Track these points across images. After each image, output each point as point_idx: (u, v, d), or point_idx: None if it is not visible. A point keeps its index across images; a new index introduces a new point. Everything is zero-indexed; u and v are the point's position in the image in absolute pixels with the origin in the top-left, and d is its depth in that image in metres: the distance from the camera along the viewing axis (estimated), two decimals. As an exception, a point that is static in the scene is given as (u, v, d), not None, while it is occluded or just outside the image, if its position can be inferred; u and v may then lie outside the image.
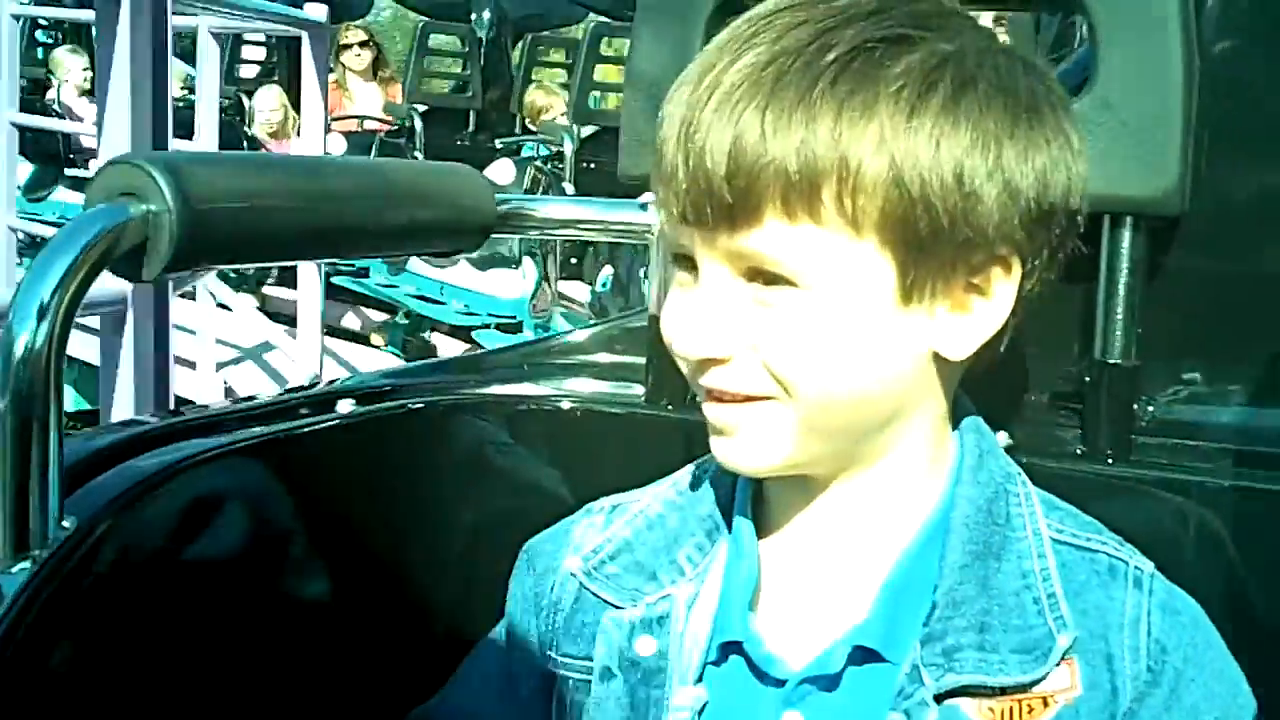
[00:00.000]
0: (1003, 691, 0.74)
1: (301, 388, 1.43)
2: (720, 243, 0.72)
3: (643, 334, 1.23)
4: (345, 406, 1.29)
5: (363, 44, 8.67)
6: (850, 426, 0.77)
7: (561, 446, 1.28)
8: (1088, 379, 0.97)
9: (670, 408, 1.17)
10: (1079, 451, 0.99)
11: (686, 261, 0.76)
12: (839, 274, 0.71)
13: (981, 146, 0.70)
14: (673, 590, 0.83)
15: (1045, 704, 0.74)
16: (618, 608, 0.85)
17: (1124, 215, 0.92)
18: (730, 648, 0.81)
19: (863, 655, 0.77)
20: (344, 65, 8.51)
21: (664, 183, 0.75)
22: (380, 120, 8.13)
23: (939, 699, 0.74)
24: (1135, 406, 0.97)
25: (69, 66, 8.23)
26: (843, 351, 0.73)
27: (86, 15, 3.88)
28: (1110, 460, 0.97)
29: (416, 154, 7.41)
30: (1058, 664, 0.74)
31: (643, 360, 1.22)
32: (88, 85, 7.26)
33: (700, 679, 0.81)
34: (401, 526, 1.27)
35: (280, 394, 1.38)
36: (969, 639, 0.75)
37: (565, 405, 1.28)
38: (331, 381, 1.44)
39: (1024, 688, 0.74)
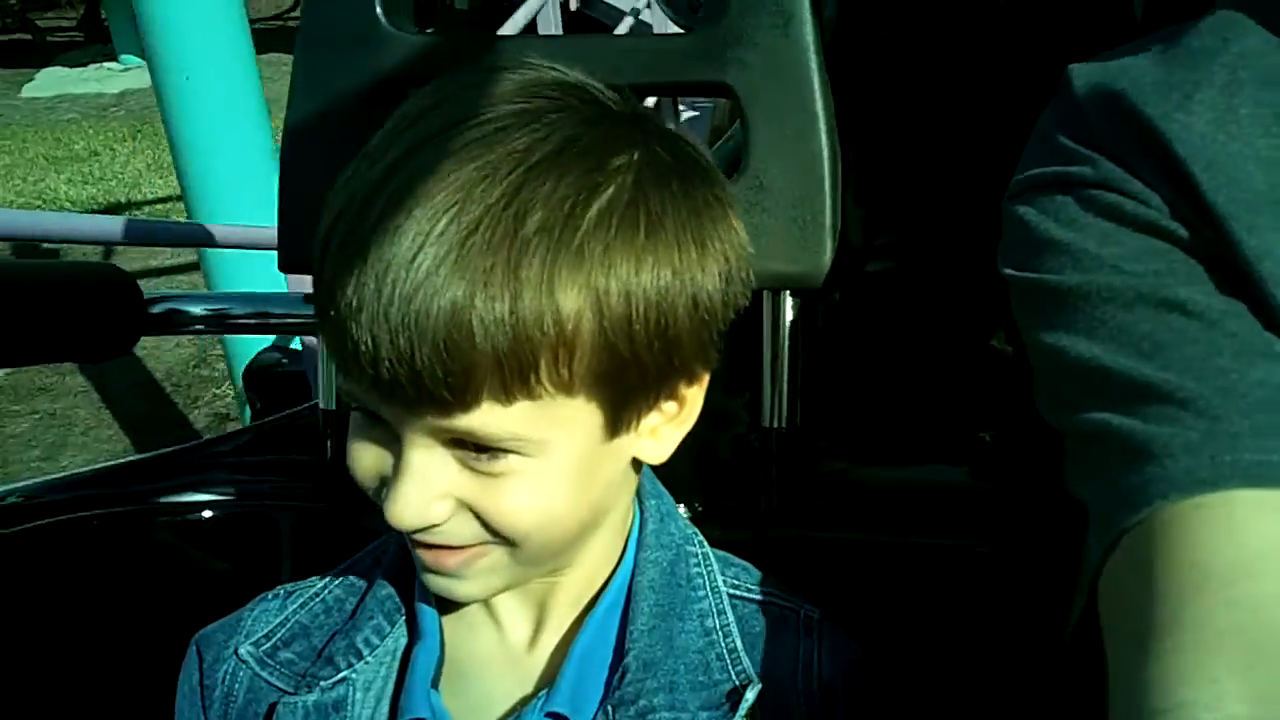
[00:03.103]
0: None
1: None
2: (424, 419, 0.68)
3: (312, 429, 1.19)
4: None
5: None
6: (565, 548, 0.78)
7: (234, 550, 1.22)
8: (757, 446, 1.01)
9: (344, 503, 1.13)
10: (752, 518, 1.02)
11: (373, 415, 0.71)
12: (551, 434, 0.69)
13: (679, 288, 0.69)
14: (350, 674, 0.82)
15: None
16: (293, 694, 0.82)
17: (781, 290, 0.97)
18: None
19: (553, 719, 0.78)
20: None
21: (342, 350, 0.66)
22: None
23: None
24: (803, 471, 1.02)
25: None
26: (558, 499, 0.72)
27: None
28: (780, 524, 1.01)
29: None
30: (745, 716, 0.77)
31: (312, 457, 1.18)
32: None
33: None
34: (61, 646, 1.17)
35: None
36: (661, 699, 0.77)
37: (235, 508, 1.22)
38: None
39: None
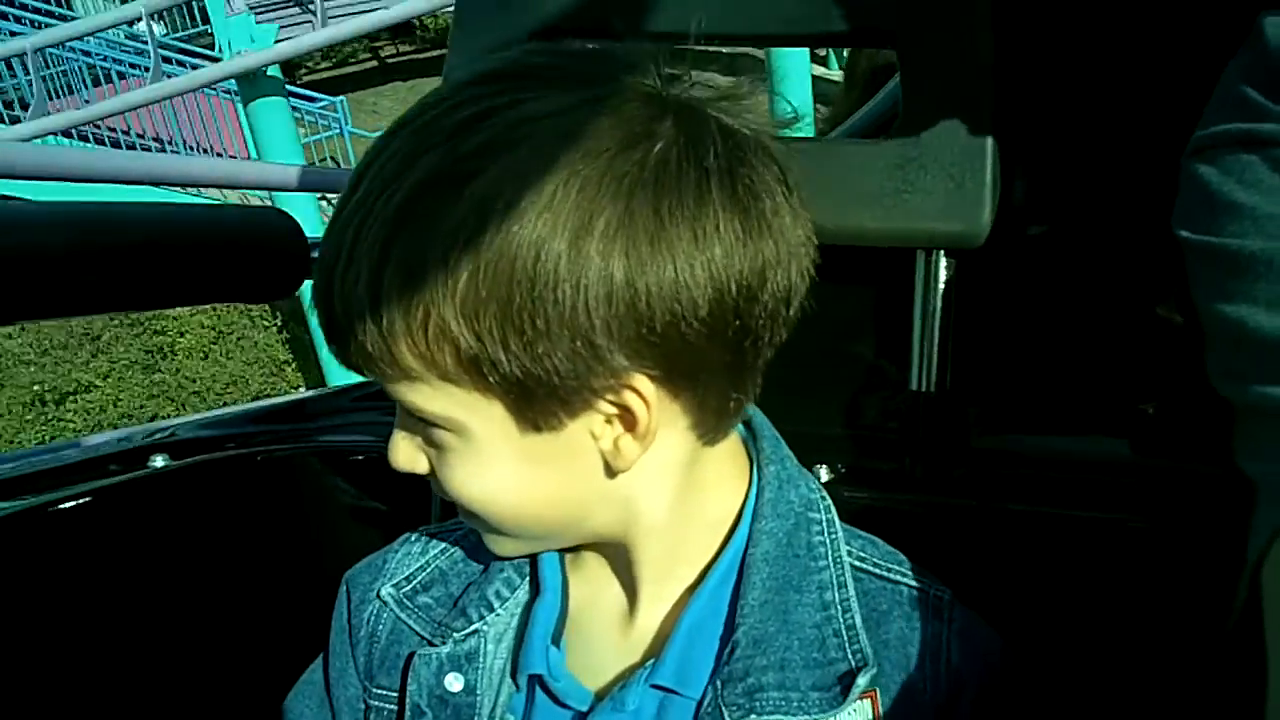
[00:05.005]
0: None
1: (114, 440, 1.38)
2: None
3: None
4: (158, 461, 1.25)
5: None
6: (561, 526, 0.76)
7: (386, 491, 1.25)
8: (905, 410, 0.98)
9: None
10: (895, 482, 0.99)
11: None
12: (460, 417, 0.68)
13: (533, 281, 0.62)
14: (481, 626, 0.83)
15: None
16: (429, 644, 0.84)
17: (936, 250, 0.93)
18: (535, 680, 0.80)
19: (661, 692, 0.77)
20: None
21: None
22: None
23: None
24: (952, 437, 0.98)
25: None
26: (494, 484, 0.71)
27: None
28: (926, 490, 0.98)
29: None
30: (858, 699, 0.74)
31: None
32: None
33: (509, 714, 0.81)
34: (223, 577, 1.23)
35: (86, 446, 1.33)
36: (770, 678, 0.74)
37: (383, 449, 1.25)
38: (152, 434, 1.39)
39: None
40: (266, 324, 7.95)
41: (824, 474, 0.96)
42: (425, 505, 1.18)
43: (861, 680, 0.73)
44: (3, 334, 7.89)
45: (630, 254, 0.63)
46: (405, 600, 0.86)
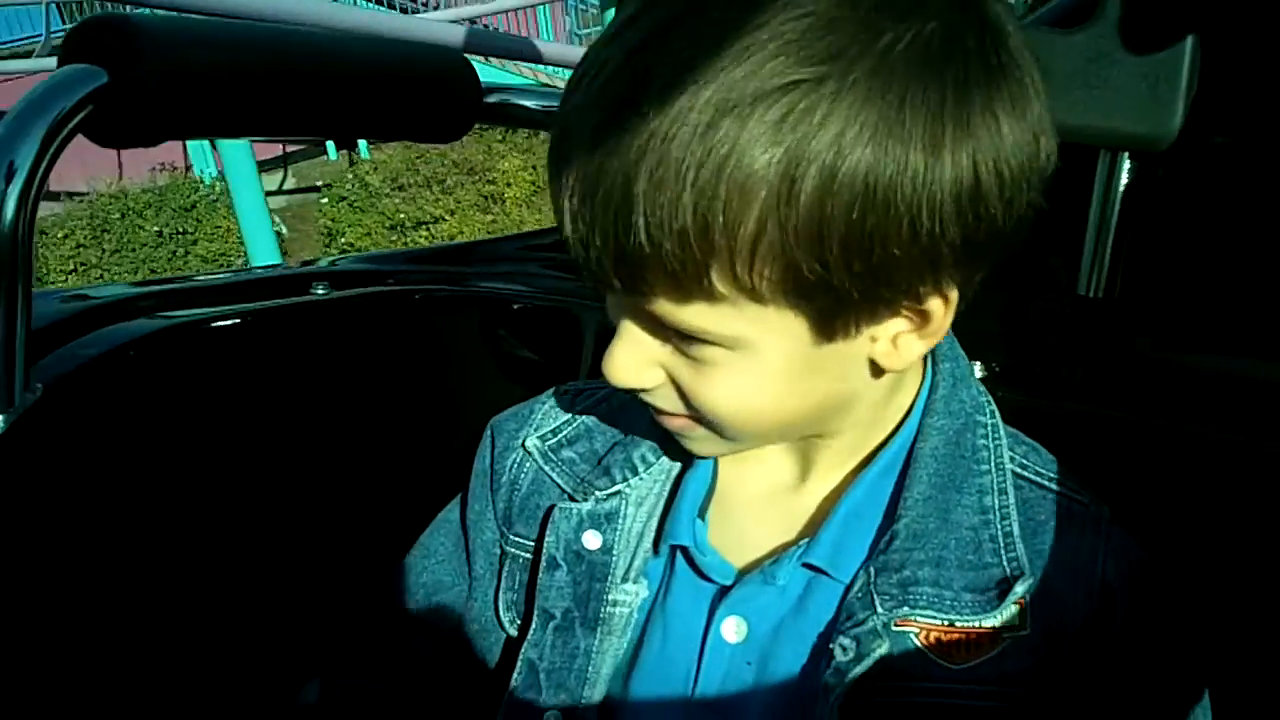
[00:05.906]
0: (952, 624, 0.73)
1: (274, 266, 1.42)
2: (624, 301, 0.68)
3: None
4: (319, 289, 1.29)
5: None
6: (791, 430, 0.75)
7: (538, 340, 1.27)
8: (1069, 314, 0.96)
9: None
10: (1050, 386, 0.97)
11: None
12: (748, 333, 0.65)
13: (888, 203, 0.58)
14: (624, 488, 0.84)
15: (994, 640, 0.73)
16: (570, 498, 0.85)
17: (1121, 151, 0.90)
18: (678, 550, 0.82)
19: (810, 571, 0.78)
20: None
21: (560, 233, 0.65)
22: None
23: (889, 628, 0.73)
24: (1115, 345, 0.96)
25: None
26: (762, 395, 0.68)
27: None
28: (1082, 398, 0.95)
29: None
30: (1011, 605, 0.73)
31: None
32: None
33: (643, 577, 0.83)
34: (369, 407, 1.27)
35: (253, 271, 1.37)
36: (926, 573, 0.74)
37: (543, 301, 1.27)
38: (306, 263, 1.43)
39: (974, 624, 0.73)
40: (578, 182, 9.26)
41: (977, 371, 0.95)
42: (575, 360, 1.20)
43: (1019, 588, 0.72)
44: (363, 171, 9.61)
45: (976, 153, 0.60)
46: (549, 453, 0.88)
